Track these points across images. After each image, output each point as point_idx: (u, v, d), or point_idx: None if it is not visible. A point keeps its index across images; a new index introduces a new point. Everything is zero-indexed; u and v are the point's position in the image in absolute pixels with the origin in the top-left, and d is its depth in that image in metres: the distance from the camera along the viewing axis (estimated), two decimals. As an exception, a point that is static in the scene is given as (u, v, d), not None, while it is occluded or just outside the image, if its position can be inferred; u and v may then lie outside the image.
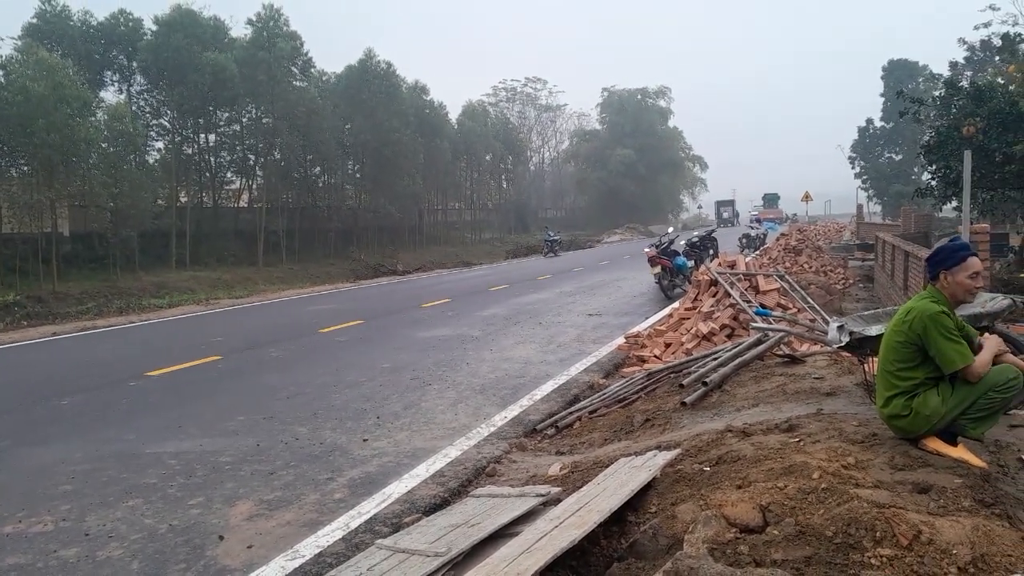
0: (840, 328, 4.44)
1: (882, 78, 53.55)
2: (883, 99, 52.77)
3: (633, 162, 68.84)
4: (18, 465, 5.64)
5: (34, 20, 27.29)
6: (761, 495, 3.02)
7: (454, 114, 50.59)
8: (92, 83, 26.50)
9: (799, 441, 3.83)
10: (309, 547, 3.96)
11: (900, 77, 49.79)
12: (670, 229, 22.10)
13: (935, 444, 3.51)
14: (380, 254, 36.02)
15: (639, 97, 75.67)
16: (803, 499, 2.94)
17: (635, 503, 3.43)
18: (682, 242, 18.82)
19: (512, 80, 76.31)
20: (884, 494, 2.98)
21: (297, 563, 3.77)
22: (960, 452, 3.45)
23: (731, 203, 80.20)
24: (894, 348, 3.60)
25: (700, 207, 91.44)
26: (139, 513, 4.56)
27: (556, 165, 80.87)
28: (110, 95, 29.84)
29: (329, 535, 4.10)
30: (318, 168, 36.83)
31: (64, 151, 21.12)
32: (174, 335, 13.16)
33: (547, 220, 65.21)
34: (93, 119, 23.15)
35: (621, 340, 9.85)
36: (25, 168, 22.58)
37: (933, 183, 16.32)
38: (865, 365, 4.76)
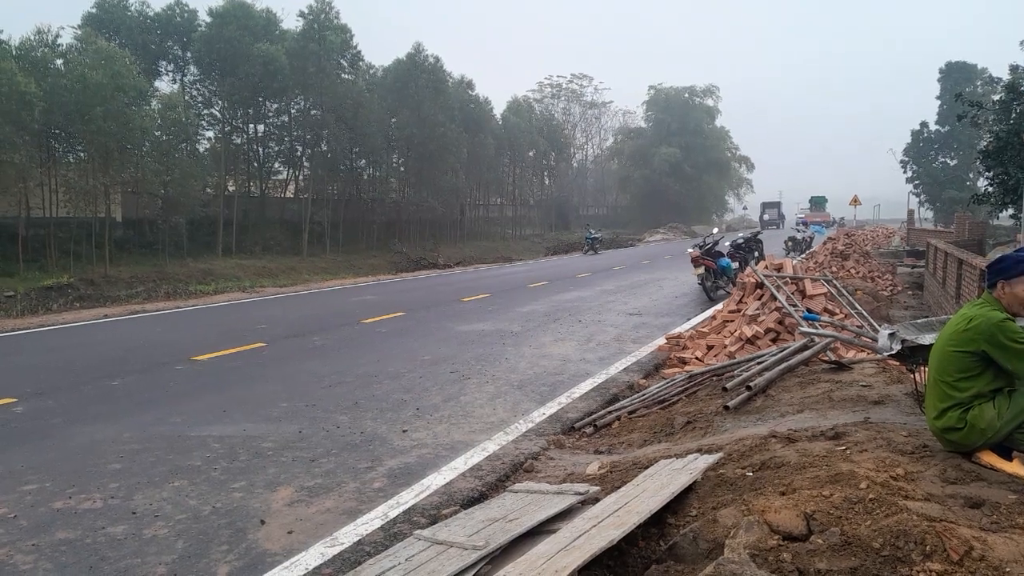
0: (891, 336, 4.32)
1: (939, 80, 52.10)
2: (939, 102, 51.39)
3: (678, 161, 67.83)
4: (70, 442, 5.82)
5: (93, 10, 28.07)
6: (806, 503, 2.96)
7: (499, 109, 50.64)
8: (147, 72, 27.14)
9: (846, 449, 3.75)
10: (348, 535, 4.01)
11: (958, 80, 48.42)
12: (715, 230, 21.85)
13: (989, 458, 3.41)
14: (422, 247, 36.21)
15: (686, 95, 74.51)
16: (849, 509, 2.87)
17: (675, 506, 3.39)
18: (727, 243, 18.57)
19: (558, 76, 75.89)
20: (935, 507, 2.90)
21: (336, 550, 3.82)
22: (1015, 467, 3.35)
23: (777, 205, 78.74)
24: (952, 358, 3.51)
25: (745, 208, 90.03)
26: (184, 494, 4.67)
27: (599, 162, 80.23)
28: (164, 84, 30.62)
29: (368, 524, 4.15)
30: (363, 161, 37.17)
31: (120, 139, 21.68)
32: (219, 321, 13.43)
33: (588, 217, 64.79)
34: (148, 108, 23.73)
35: (662, 341, 9.76)
36: (82, 154, 23.24)
37: (990, 189, 15.90)
38: (916, 375, 4.63)
